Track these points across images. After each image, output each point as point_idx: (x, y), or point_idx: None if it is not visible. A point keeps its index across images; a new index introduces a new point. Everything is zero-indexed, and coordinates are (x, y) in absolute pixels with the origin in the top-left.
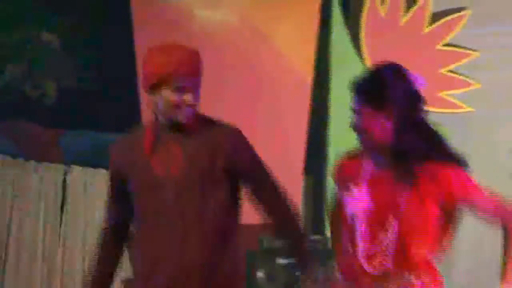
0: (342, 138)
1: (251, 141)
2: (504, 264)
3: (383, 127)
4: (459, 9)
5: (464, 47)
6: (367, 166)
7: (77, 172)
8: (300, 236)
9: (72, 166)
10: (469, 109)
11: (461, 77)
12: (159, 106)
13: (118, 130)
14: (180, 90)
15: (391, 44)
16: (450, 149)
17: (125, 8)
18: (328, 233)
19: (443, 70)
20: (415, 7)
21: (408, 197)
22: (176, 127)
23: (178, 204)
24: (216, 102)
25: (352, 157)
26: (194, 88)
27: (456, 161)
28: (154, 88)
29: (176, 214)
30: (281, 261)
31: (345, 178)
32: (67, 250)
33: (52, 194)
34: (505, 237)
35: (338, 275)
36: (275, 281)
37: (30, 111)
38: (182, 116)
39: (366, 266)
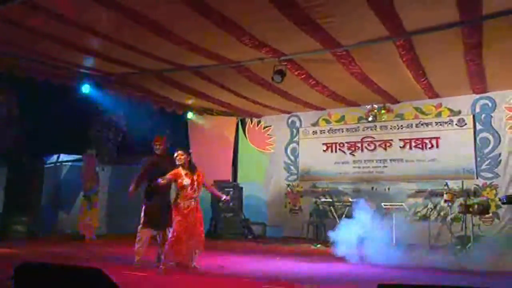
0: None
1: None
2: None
3: (186, 159)
4: (269, 126)
5: (272, 135)
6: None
7: None
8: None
9: None
10: (272, 150)
11: (271, 142)
12: (157, 151)
13: None
14: (160, 149)
15: (259, 139)
16: (195, 165)
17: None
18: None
19: (267, 141)
20: (261, 125)
21: (196, 178)
22: (157, 155)
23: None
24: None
25: None
26: (166, 146)
27: (197, 169)
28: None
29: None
30: None
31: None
32: None
33: None
34: (212, 190)
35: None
36: None
37: None
38: (159, 152)
39: (190, 194)
